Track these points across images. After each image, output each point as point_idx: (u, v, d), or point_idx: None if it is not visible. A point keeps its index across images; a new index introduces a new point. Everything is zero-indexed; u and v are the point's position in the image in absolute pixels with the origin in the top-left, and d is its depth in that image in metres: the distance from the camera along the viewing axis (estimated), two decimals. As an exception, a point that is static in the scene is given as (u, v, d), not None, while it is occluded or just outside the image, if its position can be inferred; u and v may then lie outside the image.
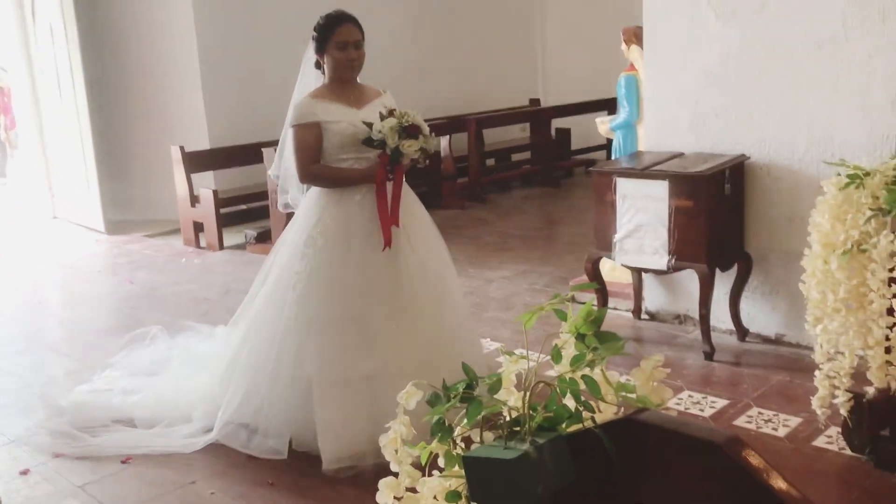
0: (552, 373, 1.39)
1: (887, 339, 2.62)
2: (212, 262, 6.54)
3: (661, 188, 3.87)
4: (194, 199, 6.95)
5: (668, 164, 4.03)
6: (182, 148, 6.96)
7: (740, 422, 3.33)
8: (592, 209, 4.17)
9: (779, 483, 1.09)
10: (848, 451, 3.01)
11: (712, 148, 4.16)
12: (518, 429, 1.30)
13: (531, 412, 1.30)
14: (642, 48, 4.52)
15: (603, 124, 5.27)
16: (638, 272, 4.42)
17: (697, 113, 4.22)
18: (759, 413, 3.39)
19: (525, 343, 1.37)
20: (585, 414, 1.29)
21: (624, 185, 3.99)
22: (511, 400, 1.36)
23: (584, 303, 1.45)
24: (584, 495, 1.27)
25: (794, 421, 3.29)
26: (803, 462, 3.00)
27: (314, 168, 3.25)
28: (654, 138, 4.45)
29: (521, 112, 9.53)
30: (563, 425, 1.31)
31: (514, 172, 9.40)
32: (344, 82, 3.31)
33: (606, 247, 4.10)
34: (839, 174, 2.81)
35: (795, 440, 3.16)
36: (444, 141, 8.20)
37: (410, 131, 3.10)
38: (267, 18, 7.93)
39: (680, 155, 4.19)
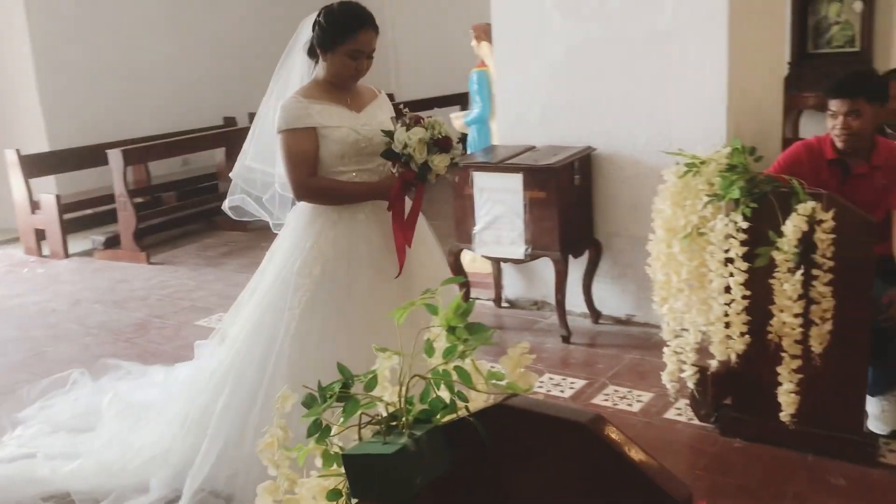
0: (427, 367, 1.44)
1: (726, 315, 2.84)
2: (57, 271, 6.20)
3: (515, 181, 4.01)
4: (34, 205, 6.54)
5: (522, 157, 4.18)
6: (18, 151, 6.54)
7: (598, 400, 3.51)
8: (452, 203, 4.27)
9: (639, 455, 1.18)
10: (696, 421, 3.24)
11: (562, 141, 4.34)
12: (395, 423, 1.34)
13: (407, 406, 1.34)
14: (492, 45, 4.66)
15: (458, 119, 5.39)
16: (497, 262, 4.56)
17: (547, 107, 4.39)
18: (615, 391, 3.59)
19: (398, 339, 1.40)
20: (459, 404, 1.34)
21: (480, 179, 4.10)
22: (386, 396, 1.39)
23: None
24: (461, 480, 1.33)
25: (647, 396, 3.51)
26: (657, 434, 3.20)
27: (314, 182, 2.71)
28: (507, 132, 4.59)
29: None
30: (438, 416, 1.36)
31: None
32: (337, 87, 2.78)
33: (467, 239, 4.20)
34: (678, 163, 3.01)
35: (648, 414, 3.36)
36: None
37: (442, 145, 2.66)
38: (110, 4, 7.57)
39: (532, 148, 4.35)
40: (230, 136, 7.51)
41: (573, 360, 3.98)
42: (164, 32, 8.26)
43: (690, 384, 3.10)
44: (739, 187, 2.79)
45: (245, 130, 8.05)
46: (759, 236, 2.76)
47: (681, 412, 3.34)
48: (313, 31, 2.72)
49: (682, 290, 2.97)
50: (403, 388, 1.35)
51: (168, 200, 7.39)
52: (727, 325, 2.86)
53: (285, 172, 2.72)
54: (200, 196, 7.49)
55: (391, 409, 1.36)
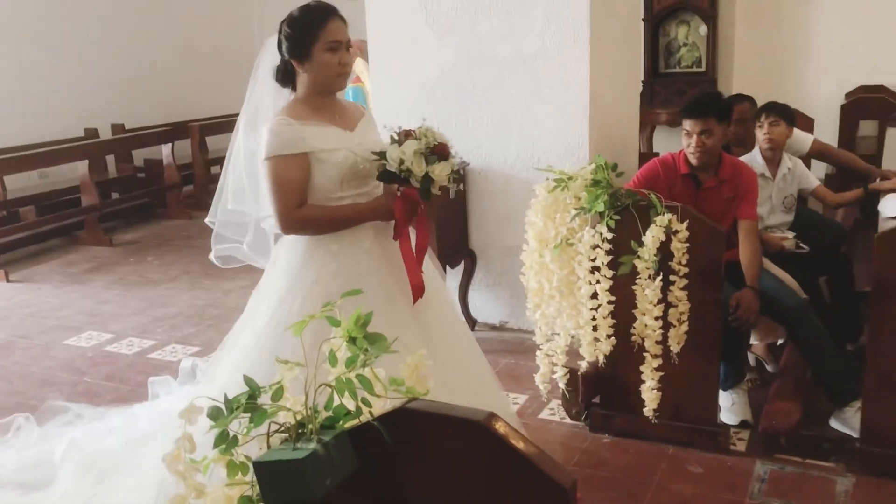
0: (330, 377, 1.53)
1: (593, 319, 3.06)
2: None
3: (393, 194, 4.11)
4: None
5: (398, 171, 4.29)
6: None
7: (477, 404, 3.66)
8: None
9: (528, 447, 1.31)
10: (568, 420, 3.45)
11: (436, 155, 4.49)
12: (303, 431, 1.42)
13: (314, 413, 1.43)
14: (368, 61, 4.76)
15: (332, 133, 5.44)
16: (375, 274, 4.65)
17: (423, 124, 4.51)
18: (492, 394, 3.75)
19: (303, 349, 1.49)
20: (363, 409, 1.44)
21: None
22: (293, 405, 1.47)
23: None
24: (367, 480, 1.43)
25: (522, 398, 3.70)
26: (532, 433, 3.36)
27: (304, 213, 2.43)
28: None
29: (245, 118, 9.46)
30: (343, 422, 1.45)
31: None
32: (326, 96, 2.55)
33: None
34: (548, 178, 3.22)
35: (524, 415, 3.55)
36: (165, 149, 7.94)
37: (439, 152, 2.46)
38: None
39: (408, 162, 4.47)
40: (91, 148, 7.27)
41: (451, 366, 4.12)
42: (20, 39, 7.90)
43: (562, 385, 3.30)
44: (604, 201, 3.02)
45: (109, 142, 7.77)
46: (622, 246, 3.00)
47: (554, 412, 3.54)
48: (280, 47, 2.51)
49: (554, 297, 3.18)
50: (310, 397, 1.43)
51: (26, 216, 7.06)
52: (595, 329, 3.08)
53: (271, 203, 2.43)
54: (61, 211, 7.19)
55: (298, 418, 1.44)
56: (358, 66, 5.16)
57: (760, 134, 3.78)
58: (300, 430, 1.41)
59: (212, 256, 2.81)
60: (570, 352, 3.25)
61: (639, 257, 2.96)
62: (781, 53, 7.72)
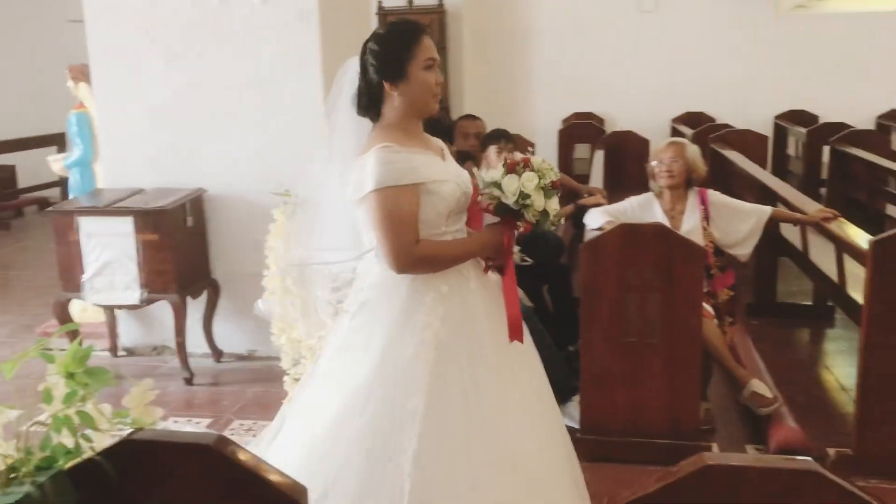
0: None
1: (337, 339, 3.12)
2: None
3: (126, 224, 3.95)
4: None
5: (131, 200, 4.12)
6: None
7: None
8: (55, 250, 4.05)
9: (258, 465, 1.33)
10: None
11: (171, 183, 4.35)
12: (15, 475, 1.33)
13: (27, 455, 1.35)
14: (91, 86, 4.52)
15: (56, 162, 5.11)
16: (111, 310, 4.41)
17: (154, 150, 4.37)
18: (241, 424, 3.70)
19: (14, 392, 1.40)
20: (85, 445, 1.38)
21: (87, 224, 3.96)
22: (4, 449, 1.38)
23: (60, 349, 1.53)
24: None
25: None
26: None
27: (423, 249, 2.14)
28: (114, 175, 4.48)
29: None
30: (62, 461, 1.38)
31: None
32: (417, 121, 2.26)
33: (75, 288, 4.02)
34: (286, 202, 3.24)
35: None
36: None
37: (556, 187, 2.20)
38: None
39: (141, 191, 4.30)
40: None
41: (197, 400, 4.00)
42: None
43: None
44: (341, 223, 3.10)
45: None
46: (360, 266, 3.09)
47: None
48: (367, 71, 2.22)
49: (298, 321, 3.20)
50: (21, 439, 1.35)
51: None
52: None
53: (381, 239, 2.13)
54: None
55: (9, 462, 1.35)
56: (80, 90, 4.88)
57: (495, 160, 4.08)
58: (12, 475, 1.32)
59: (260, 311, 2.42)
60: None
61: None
62: (507, 84, 8.38)
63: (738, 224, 3.64)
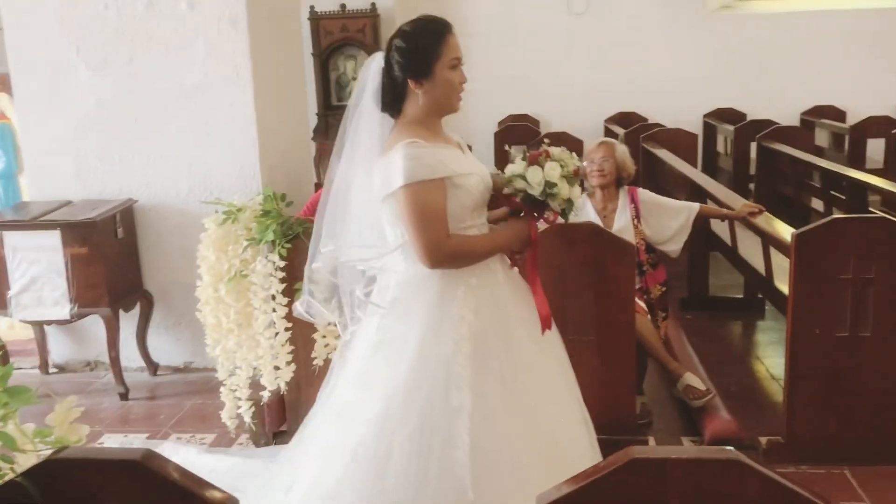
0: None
1: (272, 347, 3.09)
2: None
3: (53, 238, 3.84)
4: None
5: (58, 212, 4.02)
6: None
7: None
8: (-22, 267, 3.92)
9: (187, 479, 1.31)
10: (258, 452, 3.43)
11: (100, 194, 4.26)
12: (-68, 500, 1.29)
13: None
14: (12, 96, 4.39)
15: (-22, 176, 4.94)
16: (40, 326, 4.28)
17: (80, 161, 4.27)
18: (178, 437, 3.63)
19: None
20: (5, 467, 1.34)
21: (12, 238, 3.86)
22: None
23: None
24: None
25: (210, 437, 3.61)
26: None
27: (455, 243, 2.17)
28: (39, 188, 4.36)
29: None
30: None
31: None
32: (439, 118, 2.28)
33: (1, 304, 3.90)
34: (217, 211, 3.20)
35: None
36: None
37: (577, 175, 2.26)
38: None
39: (68, 203, 4.19)
40: None
41: (133, 415, 3.91)
42: None
43: (247, 418, 3.28)
44: (274, 230, 3.07)
45: None
46: (296, 273, 3.06)
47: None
48: (391, 68, 2.21)
49: (232, 331, 3.17)
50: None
51: None
52: (275, 357, 3.11)
53: (413, 234, 2.14)
54: None
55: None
56: (2, 102, 4.73)
57: None
58: (-73, 501, 1.28)
59: (302, 309, 2.37)
60: (254, 384, 3.25)
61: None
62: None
63: (667, 221, 3.72)
